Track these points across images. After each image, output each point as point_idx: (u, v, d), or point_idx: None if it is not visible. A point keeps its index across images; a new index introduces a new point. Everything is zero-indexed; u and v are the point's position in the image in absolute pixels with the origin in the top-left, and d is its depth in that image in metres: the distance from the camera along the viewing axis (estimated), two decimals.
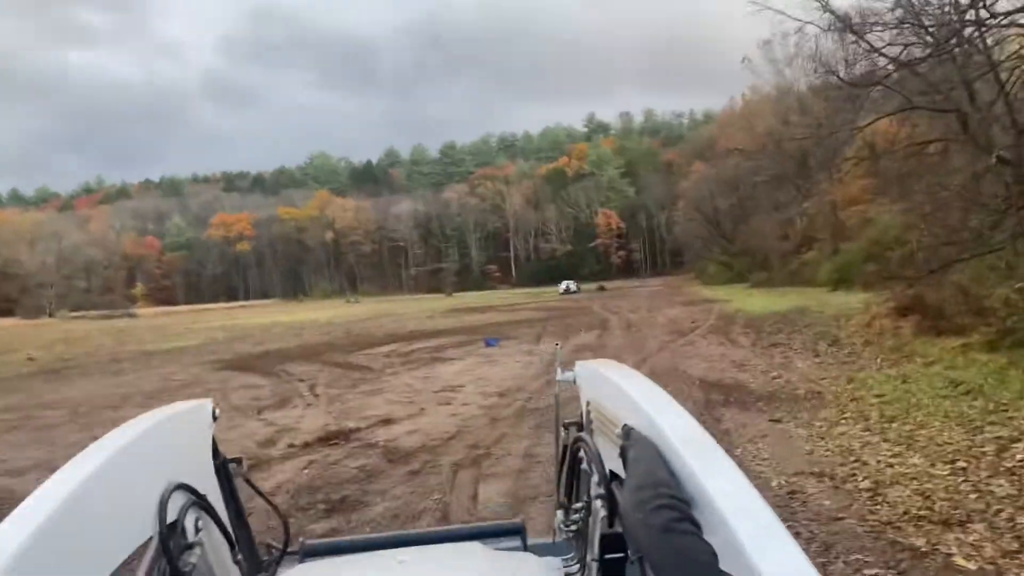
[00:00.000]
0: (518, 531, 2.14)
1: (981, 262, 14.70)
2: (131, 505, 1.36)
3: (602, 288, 77.61)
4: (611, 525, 1.43)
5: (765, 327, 20.56)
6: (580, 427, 1.98)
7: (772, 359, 14.51)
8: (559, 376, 2.15)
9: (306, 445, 9.13)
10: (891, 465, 6.54)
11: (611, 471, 1.48)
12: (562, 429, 2.11)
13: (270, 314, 59.14)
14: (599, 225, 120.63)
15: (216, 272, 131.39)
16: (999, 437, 6.97)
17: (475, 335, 23.19)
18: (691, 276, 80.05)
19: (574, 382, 2.09)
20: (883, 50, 15.83)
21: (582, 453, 1.80)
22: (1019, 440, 6.80)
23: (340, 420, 10.73)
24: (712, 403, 10.28)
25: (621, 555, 1.48)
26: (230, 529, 1.80)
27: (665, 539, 0.99)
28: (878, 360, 12.92)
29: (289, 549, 2.04)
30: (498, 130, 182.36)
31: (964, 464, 6.33)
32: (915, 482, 6.00)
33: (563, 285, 77.62)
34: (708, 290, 50.97)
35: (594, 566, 1.59)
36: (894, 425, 7.99)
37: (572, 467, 1.94)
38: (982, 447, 6.77)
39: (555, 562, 1.76)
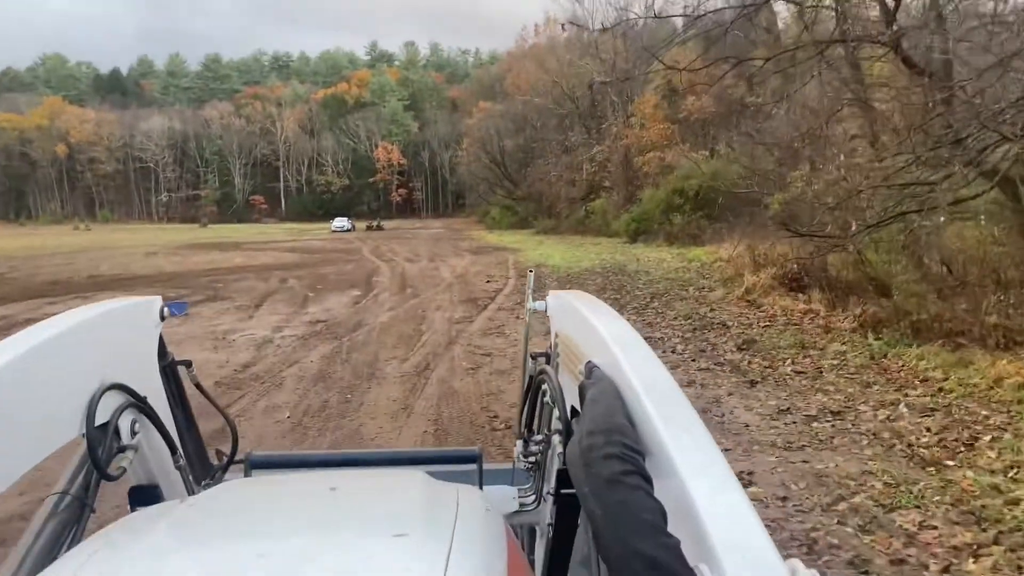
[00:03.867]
0: (474, 458, 2.08)
1: None
2: (57, 402, 1.30)
3: (379, 227, 70.98)
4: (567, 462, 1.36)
5: (593, 294, 15.55)
6: (548, 359, 1.93)
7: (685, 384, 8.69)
8: (529, 304, 2.08)
9: None
10: None
11: (572, 407, 1.43)
12: (530, 360, 2.01)
13: None
14: (379, 160, 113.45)
15: None
16: None
17: (187, 288, 16.73)
18: (474, 220, 76.64)
19: (545, 312, 2.00)
20: None
21: (545, 386, 1.73)
22: None
23: None
24: None
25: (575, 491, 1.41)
26: (174, 434, 1.75)
27: (610, 491, 0.93)
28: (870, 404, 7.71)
29: (236, 458, 2.02)
30: (271, 48, 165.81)
31: None
32: None
33: (336, 222, 70.25)
34: (494, 236, 47.03)
35: (549, 499, 1.64)
36: None
37: (535, 399, 1.87)
38: None
39: (511, 491, 1.76)
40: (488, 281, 19.38)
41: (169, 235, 57.48)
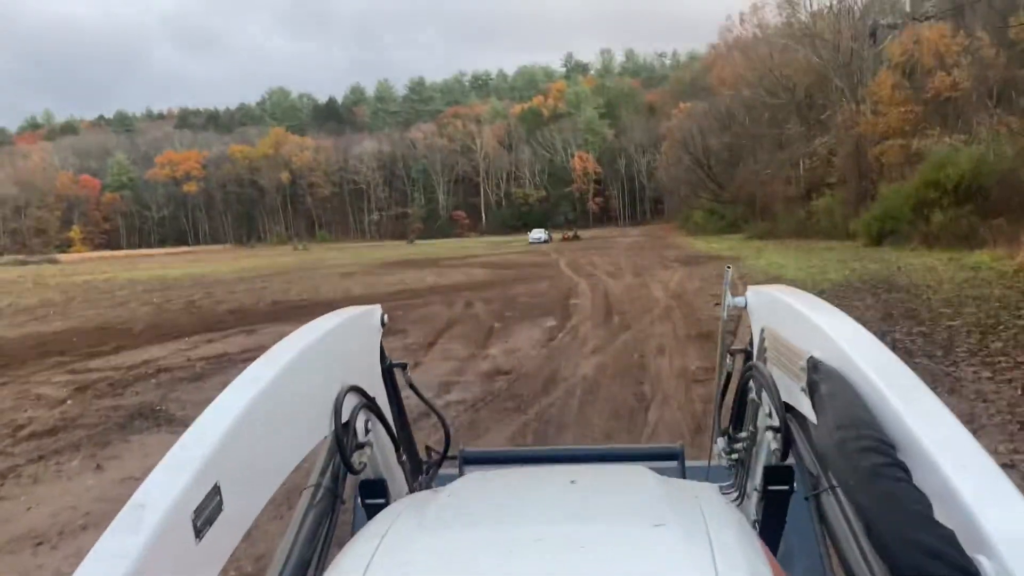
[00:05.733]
0: (676, 455, 2.20)
1: None
2: (310, 406, 1.45)
3: (576, 237, 68.78)
4: (783, 458, 1.41)
5: (875, 324, 11.02)
6: (749, 355, 1.89)
7: None
8: (728, 300, 1.99)
9: None
10: None
11: (785, 403, 1.40)
12: (728, 355, 2.00)
13: (185, 265, 50.87)
14: (575, 169, 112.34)
15: (163, 215, 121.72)
16: None
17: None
18: (674, 225, 72.73)
19: (745, 307, 1.93)
20: None
21: (751, 383, 1.70)
22: None
23: None
24: None
25: (786, 488, 1.53)
26: (395, 432, 1.85)
27: (875, 484, 0.94)
28: None
29: (448, 454, 2.11)
30: (470, 69, 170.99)
31: None
32: None
33: (533, 234, 69.09)
34: (700, 242, 43.14)
35: (755, 495, 1.64)
36: None
37: (739, 395, 1.81)
38: None
39: (712, 487, 1.67)
40: (717, 304, 15.86)
41: (376, 252, 59.17)
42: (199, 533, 0.98)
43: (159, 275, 37.99)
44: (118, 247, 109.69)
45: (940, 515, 0.85)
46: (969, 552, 0.79)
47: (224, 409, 1.17)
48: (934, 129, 29.78)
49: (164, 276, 36.75)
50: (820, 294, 9.54)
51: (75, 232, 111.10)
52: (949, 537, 0.81)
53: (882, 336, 1.41)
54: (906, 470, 0.94)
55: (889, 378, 1.11)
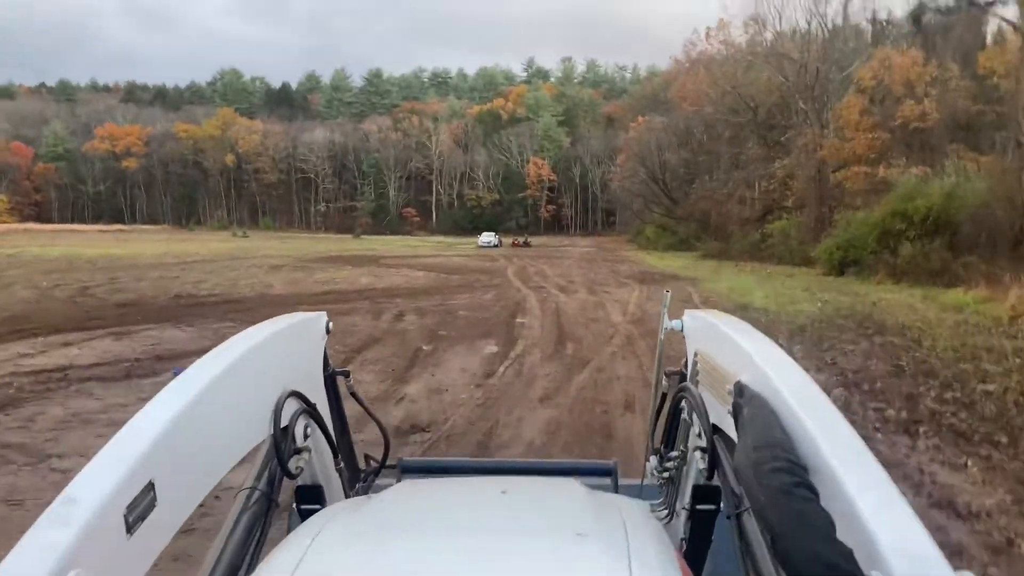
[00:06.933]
0: (609, 472, 2.17)
1: None
2: (249, 408, 1.44)
3: (526, 243, 67.24)
4: (709, 478, 1.45)
5: (880, 383, 9.05)
6: (682, 377, 1.94)
7: None
8: (665, 323, 2.05)
9: None
10: None
11: (713, 424, 1.46)
12: (663, 377, 2.05)
13: (110, 245, 47.80)
14: (530, 175, 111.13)
15: (99, 190, 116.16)
16: None
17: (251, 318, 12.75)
18: (625, 239, 71.99)
19: (681, 331, 1.99)
20: None
21: (683, 403, 1.76)
22: None
23: None
24: None
25: (713, 507, 1.57)
26: (334, 438, 1.88)
27: (784, 502, 0.99)
28: None
29: (388, 463, 2.11)
30: (430, 66, 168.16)
31: None
32: None
33: (483, 237, 67.07)
34: (652, 258, 42.06)
35: (683, 514, 1.70)
36: None
37: (671, 416, 1.89)
38: None
39: (644, 505, 1.72)
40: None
41: (317, 245, 56.82)
42: (131, 528, 0.97)
43: (73, 254, 35.20)
44: (49, 220, 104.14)
45: (842, 533, 0.90)
46: (865, 568, 0.84)
47: (162, 406, 1.15)
48: (899, 159, 29.19)
49: (78, 255, 34.04)
50: (801, 331, 7.74)
51: (1, 201, 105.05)
52: (847, 554, 0.87)
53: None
54: (814, 491, 0.99)
55: (806, 404, 1.16)
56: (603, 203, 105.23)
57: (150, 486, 1.02)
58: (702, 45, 53.91)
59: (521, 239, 69.86)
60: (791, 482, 1.00)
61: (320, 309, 2.01)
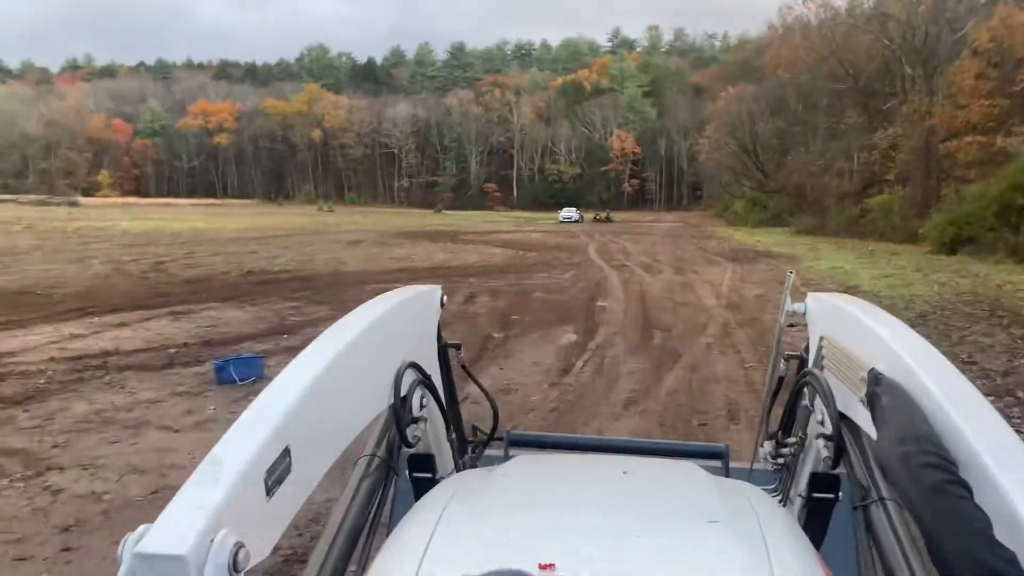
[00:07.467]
0: (721, 455, 2.13)
1: None
2: (373, 378, 1.48)
3: (608, 219, 65.43)
4: (834, 466, 1.42)
5: None
6: (803, 362, 1.85)
7: None
8: (787, 306, 1.93)
9: None
10: None
11: (840, 412, 1.41)
12: (782, 361, 1.94)
13: (198, 218, 48.92)
14: (613, 148, 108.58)
15: (192, 165, 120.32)
16: None
17: (341, 302, 11.48)
18: (711, 214, 69.35)
19: (804, 315, 1.88)
20: None
21: (805, 390, 1.69)
22: None
23: None
24: None
25: (831, 496, 1.57)
26: (447, 409, 1.90)
27: (937, 500, 0.94)
28: None
29: (495, 435, 2.14)
30: (514, 39, 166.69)
31: None
32: None
33: (564, 212, 65.58)
34: (742, 234, 39.89)
35: (798, 501, 1.67)
36: None
37: (790, 401, 1.81)
38: None
39: (765, 493, 1.67)
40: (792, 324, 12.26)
41: (398, 220, 56.82)
42: (270, 491, 1.00)
43: (160, 227, 36.10)
44: (147, 194, 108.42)
45: (1000, 535, 0.86)
46: None
47: (297, 375, 1.19)
48: (1021, 128, 26.43)
49: (164, 229, 34.86)
50: (922, 320, 6.26)
51: (103, 177, 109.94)
52: (1010, 558, 0.82)
53: None
54: (968, 488, 0.94)
55: (953, 394, 1.10)
56: (689, 176, 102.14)
57: (286, 452, 1.05)
58: (799, 9, 50.73)
59: (603, 214, 68.19)
60: (943, 479, 0.94)
61: (387, 289, 1.85)
